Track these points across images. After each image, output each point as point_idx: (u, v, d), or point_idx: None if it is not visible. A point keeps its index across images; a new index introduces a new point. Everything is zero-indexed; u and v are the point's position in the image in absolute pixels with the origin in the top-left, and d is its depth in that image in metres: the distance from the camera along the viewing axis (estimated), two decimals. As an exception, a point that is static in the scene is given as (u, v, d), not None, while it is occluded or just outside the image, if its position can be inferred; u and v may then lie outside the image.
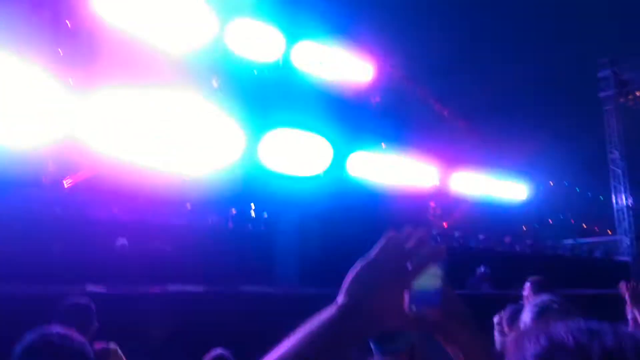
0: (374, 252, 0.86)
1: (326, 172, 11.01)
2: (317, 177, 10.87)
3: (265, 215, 10.33)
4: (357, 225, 8.97)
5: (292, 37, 10.85)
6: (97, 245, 6.01)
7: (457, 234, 13.10)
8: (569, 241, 18.92)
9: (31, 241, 5.75)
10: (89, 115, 7.76)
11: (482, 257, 10.09)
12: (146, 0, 8.92)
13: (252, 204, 10.54)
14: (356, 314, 0.80)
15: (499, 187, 15.06)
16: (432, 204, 14.02)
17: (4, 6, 7.20)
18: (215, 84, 10.30)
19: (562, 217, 22.05)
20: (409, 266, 0.83)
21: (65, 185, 8.66)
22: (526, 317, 2.12)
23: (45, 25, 8.20)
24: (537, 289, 3.55)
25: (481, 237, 13.52)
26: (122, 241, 6.24)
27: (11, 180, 6.95)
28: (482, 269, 8.64)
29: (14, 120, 6.98)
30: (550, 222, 21.34)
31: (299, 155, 10.60)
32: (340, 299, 0.82)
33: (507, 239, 13.85)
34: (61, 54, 8.21)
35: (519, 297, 3.77)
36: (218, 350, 3.19)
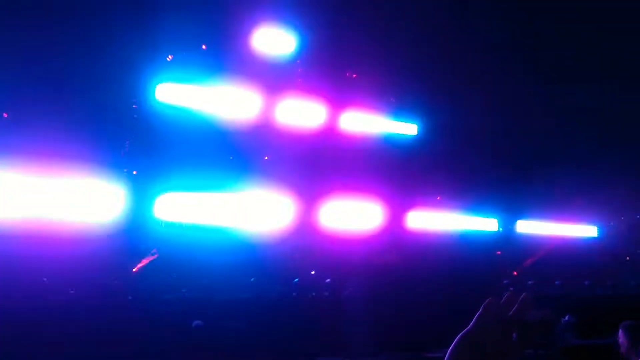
0: (473, 323, 0.75)
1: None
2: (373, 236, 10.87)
3: (328, 280, 10.27)
4: (427, 286, 8.73)
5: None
6: (172, 326, 6.13)
7: (530, 282, 12.44)
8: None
9: (107, 327, 5.96)
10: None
11: (562, 305, 9.49)
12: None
13: (313, 272, 10.57)
14: None
15: (569, 228, 14.39)
16: (498, 252, 13.51)
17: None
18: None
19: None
20: (514, 337, 0.73)
21: (134, 270, 9.02)
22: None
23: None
24: (634, 335, 3.30)
25: (557, 282, 12.75)
26: (197, 323, 6.34)
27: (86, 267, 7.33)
28: (567, 317, 8.07)
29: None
30: (628, 258, 19.89)
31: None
32: None
33: (587, 282, 12.99)
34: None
35: (613, 345, 3.51)
36: None
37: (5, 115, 8.00)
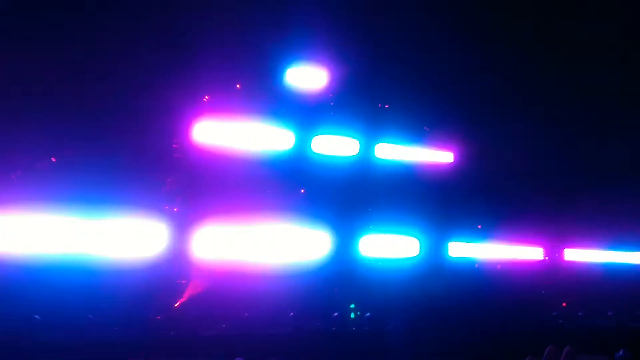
0: None
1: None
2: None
3: (368, 314, 10.09)
4: (471, 318, 8.48)
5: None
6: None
7: (580, 313, 11.86)
8: None
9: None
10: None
11: (615, 338, 9.00)
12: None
13: (353, 305, 10.43)
14: None
15: (620, 255, 13.76)
16: (545, 282, 12.99)
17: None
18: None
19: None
20: None
21: (175, 306, 9.14)
22: None
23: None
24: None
25: (610, 313, 12.11)
26: (238, 360, 6.34)
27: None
28: (621, 352, 7.64)
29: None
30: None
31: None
32: None
33: (641, 313, 12.28)
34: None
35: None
36: None
37: (53, 159, 8.39)
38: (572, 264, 12.88)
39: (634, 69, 11.91)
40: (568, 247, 12.93)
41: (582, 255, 13.14)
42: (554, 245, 12.73)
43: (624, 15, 11.17)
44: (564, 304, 13.00)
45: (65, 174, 7.97)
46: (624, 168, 13.05)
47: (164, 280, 8.74)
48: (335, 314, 9.82)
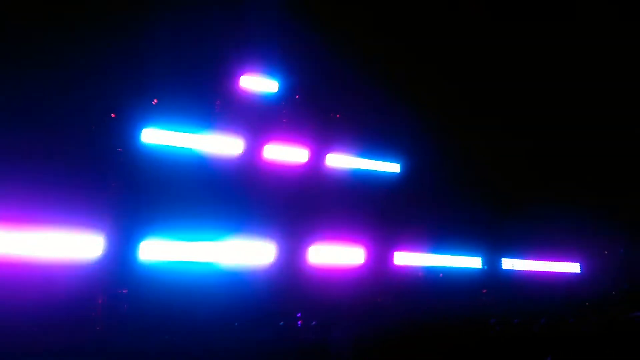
0: None
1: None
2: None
3: (314, 323, 10.17)
4: (414, 325, 8.71)
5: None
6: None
7: (516, 320, 12.41)
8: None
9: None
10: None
11: (546, 344, 9.49)
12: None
13: (299, 314, 10.47)
14: None
15: (552, 265, 14.52)
16: (484, 290, 13.54)
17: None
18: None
19: (626, 287, 20.61)
20: None
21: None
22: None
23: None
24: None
25: (542, 320, 12.73)
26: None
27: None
28: (549, 358, 8.08)
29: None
30: (614, 293, 19.94)
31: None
32: None
33: (571, 320, 12.99)
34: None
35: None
36: None
37: None
38: (508, 272, 13.46)
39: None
40: (506, 256, 13.51)
41: (518, 264, 13.74)
42: (493, 254, 13.26)
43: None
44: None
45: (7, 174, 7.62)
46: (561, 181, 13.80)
47: (104, 287, 8.49)
48: (281, 323, 9.83)
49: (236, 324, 9.07)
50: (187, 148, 9.92)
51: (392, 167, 12.60)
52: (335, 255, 10.91)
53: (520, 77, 12.60)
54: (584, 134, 13.50)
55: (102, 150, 9.12)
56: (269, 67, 11.05)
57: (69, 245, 7.96)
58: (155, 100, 9.97)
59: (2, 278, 7.16)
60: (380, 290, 11.22)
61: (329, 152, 11.72)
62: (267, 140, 10.97)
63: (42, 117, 8.34)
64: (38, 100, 8.20)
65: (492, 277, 13.22)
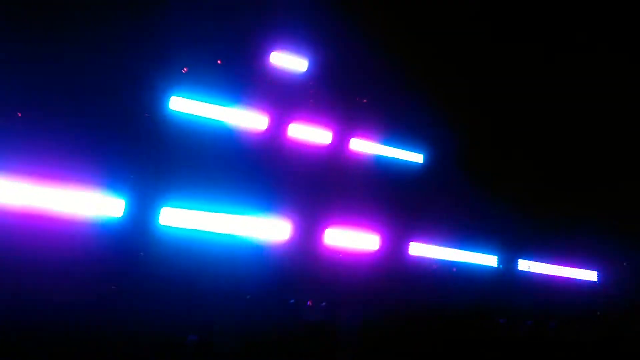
0: None
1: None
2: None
3: (324, 304, 10.21)
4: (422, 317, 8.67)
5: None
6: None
7: (529, 322, 12.32)
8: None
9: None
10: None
11: (551, 347, 9.39)
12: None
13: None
14: None
15: (569, 271, 14.30)
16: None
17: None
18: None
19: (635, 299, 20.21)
20: None
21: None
22: None
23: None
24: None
25: (552, 324, 12.62)
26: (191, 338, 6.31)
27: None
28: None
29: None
30: (628, 306, 19.59)
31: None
32: None
33: (579, 327, 12.83)
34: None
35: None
36: None
37: (19, 114, 8.11)
38: (523, 273, 13.28)
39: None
40: (522, 257, 13.30)
41: (534, 266, 13.53)
42: (509, 254, 13.08)
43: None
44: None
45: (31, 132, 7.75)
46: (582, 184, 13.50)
47: (121, 247, 8.61)
48: (292, 300, 9.89)
49: (248, 296, 9.16)
50: (213, 119, 9.93)
51: (416, 157, 12.47)
52: (351, 239, 10.88)
53: (560, 71, 12.23)
54: (621, 140, 13.14)
55: (130, 114, 9.19)
56: (300, 45, 10.96)
57: (90, 204, 8.07)
58: (185, 69, 9.97)
59: (25, 229, 7.32)
60: (392, 278, 11.18)
61: (352, 137, 11.64)
62: (292, 118, 10.93)
63: (75, 79, 8.43)
64: (72, 62, 8.28)
65: (507, 277, 13.06)
